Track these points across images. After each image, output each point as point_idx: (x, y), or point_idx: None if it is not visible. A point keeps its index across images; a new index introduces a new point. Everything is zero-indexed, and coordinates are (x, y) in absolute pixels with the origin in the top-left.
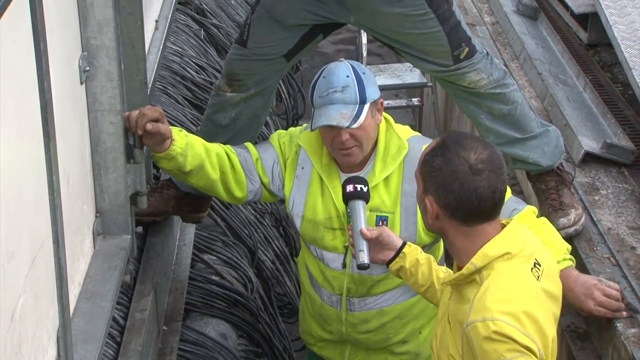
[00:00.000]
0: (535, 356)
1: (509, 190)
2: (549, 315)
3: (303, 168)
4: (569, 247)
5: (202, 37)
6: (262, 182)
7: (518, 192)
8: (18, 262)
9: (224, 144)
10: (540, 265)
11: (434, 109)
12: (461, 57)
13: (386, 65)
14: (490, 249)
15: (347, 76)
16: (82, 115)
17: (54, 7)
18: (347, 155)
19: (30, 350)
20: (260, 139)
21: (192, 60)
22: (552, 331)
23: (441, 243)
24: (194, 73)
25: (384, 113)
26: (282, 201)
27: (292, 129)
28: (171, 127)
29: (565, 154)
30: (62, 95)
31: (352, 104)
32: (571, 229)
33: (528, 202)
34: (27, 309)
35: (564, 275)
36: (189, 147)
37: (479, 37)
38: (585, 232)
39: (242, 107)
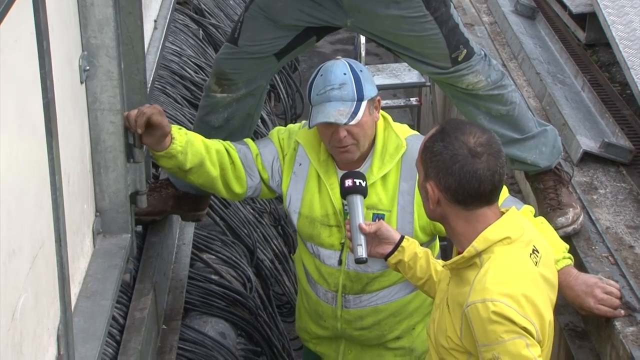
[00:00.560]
0: (533, 337)
1: (506, 189)
2: (546, 299)
3: (301, 164)
4: (567, 246)
5: (201, 37)
6: (261, 178)
7: (516, 192)
8: (19, 261)
9: None
10: (538, 252)
11: (432, 108)
12: (459, 59)
13: (384, 65)
14: (491, 233)
15: (345, 74)
16: (82, 115)
17: (54, 7)
18: (345, 152)
19: (31, 349)
20: (257, 137)
21: (190, 60)
22: (549, 314)
23: (437, 242)
24: (192, 73)
25: (382, 111)
26: (280, 198)
27: (291, 125)
28: (172, 125)
29: (563, 153)
30: (62, 94)
31: (349, 101)
32: (569, 228)
33: (526, 202)
34: (28, 308)
35: (563, 273)
36: (189, 145)
37: (477, 37)
38: (584, 231)
39: (234, 107)
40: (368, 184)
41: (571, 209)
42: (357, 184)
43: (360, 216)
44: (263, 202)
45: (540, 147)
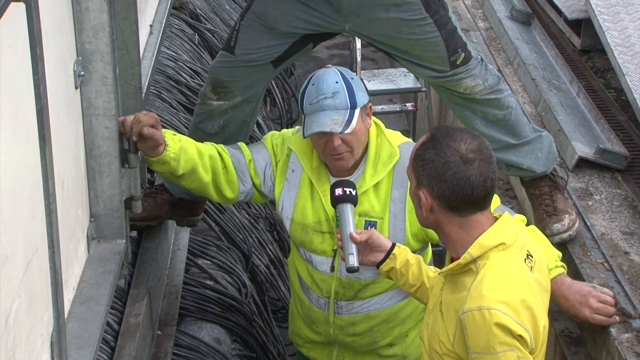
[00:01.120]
0: (526, 345)
1: (498, 198)
2: (541, 305)
3: (293, 171)
4: (560, 254)
5: (197, 42)
6: (253, 184)
7: (512, 198)
8: (12, 266)
9: None
10: (532, 257)
11: (427, 113)
12: (457, 62)
13: (380, 70)
14: (486, 239)
15: (337, 82)
16: (77, 120)
17: (49, 12)
18: (339, 160)
19: (24, 355)
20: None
21: (186, 65)
22: (544, 319)
23: (429, 250)
24: (188, 78)
25: (374, 117)
26: (273, 203)
27: (285, 130)
28: (165, 130)
29: (558, 159)
30: (56, 99)
31: (343, 109)
32: (565, 235)
33: (522, 208)
34: (21, 314)
35: (557, 282)
36: (182, 152)
37: (473, 43)
38: (579, 238)
39: (229, 114)
40: (360, 192)
41: (567, 215)
42: (348, 192)
43: (351, 225)
44: (258, 207)
45: (536, 153)
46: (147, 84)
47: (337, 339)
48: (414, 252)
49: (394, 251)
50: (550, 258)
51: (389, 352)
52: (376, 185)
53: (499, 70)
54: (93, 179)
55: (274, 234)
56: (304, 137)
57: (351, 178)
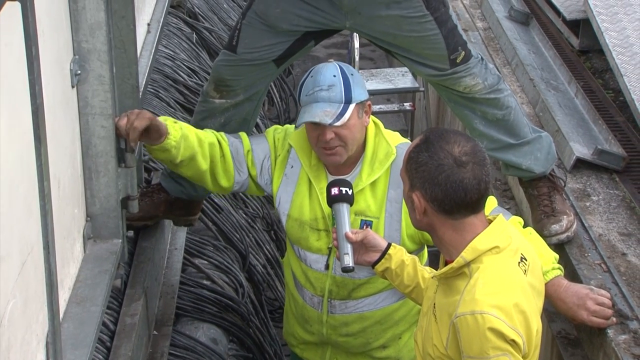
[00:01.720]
0: (519, 349)
1: (495, 200)
2: (534, 308)
3: (292, 167)
4: (557, 256)
5: (194, 41)
6: (250, 174)
7: (510, 198)
8: (7, 266)
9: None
10: (526, 260)
11: (426, 113)
12: (457, 61)
13: (378, 69)
14: (480, 242)
15: (334, 76)
16: (73, 119)
17: (45, 11)
18: (331, 154)
19: (19, 355)
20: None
21: (184, 64)
22: (537, 323)
23: (425, 252)
24: (185, 76)
25: (373, 117)
26: (271, 200)
27: (288, 125)
28: (167, 117)
29: (557, 159)
30: (53, 98)
31: (337, 102)
32: (563, 236)
33: (519, 209)
34: (17, 314)
35: (554, 285)
36: (183, 139)
37: (471, 43)
38: (577, 238)
39: (231, 112)
40: (357, 190)
41: (565, 216)
42: (344, 192)
43: (347, 225)
44: (256, 207)
45: (535, 153)
46: (144, 82)
47: (330, 339)
48: (409, 253)
49: (390, 251)
50: (547, 260)
51: (382, 354)
52: (373, 185)
53: (498, 71)
54: (89, 178)
55: (271, 233)
56: (296, 127)
57: (348, 177)
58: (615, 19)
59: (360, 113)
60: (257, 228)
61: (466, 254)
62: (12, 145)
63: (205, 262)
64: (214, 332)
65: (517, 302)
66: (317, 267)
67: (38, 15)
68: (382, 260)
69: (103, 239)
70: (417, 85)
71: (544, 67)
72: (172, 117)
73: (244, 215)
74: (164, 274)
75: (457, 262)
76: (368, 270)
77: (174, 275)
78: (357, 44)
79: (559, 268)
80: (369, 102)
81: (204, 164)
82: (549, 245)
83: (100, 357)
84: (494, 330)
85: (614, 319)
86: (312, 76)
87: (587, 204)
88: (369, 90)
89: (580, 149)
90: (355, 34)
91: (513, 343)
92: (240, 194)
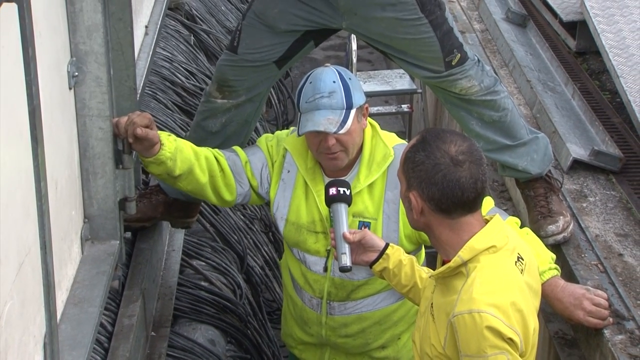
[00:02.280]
0: (517, 348)
1: (492, 200)
2: (531, 308)
3: (289, 171)
4: (554, 256)
5: (192, 43)
6: (251, 185)
7: (507, 199)
8: (5, 267)
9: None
10: (523, 260)
11: (423, 115)
12: (453, 63)
13: (376, 71)
14: (477, 242)
15: (334, 82)
16: (71, 121)
17: (42, 12)
18: (333, 159)
19: (17, 357)
20: (249, 144)
21: (181, 66)
22: (534, 322)
23: (422, 252)
24: (183, 79)
25: (369, 119)
26: (268, 204)
27: (278, 132)
28: (160, 131)
29: (553, 161)
30: (50, 100)
31: (339, 109)
32: (560, 236)
33: (517, 209)
34: (14, 315)
35: (550, 285)
36: (178, 152)
37: (468, 44)
38: (573, 239)
39: (232, 113)
40: (354, 192)
41: (561, 217)
42: (342, 192)
43: (345, 225)
44: (253, 209)
45: (532, 154)
46: (142, 84)
47: (329, 341)
48: (407, 253)
49: (387, 251)
50: (544, 260)
51: (381, 355)
52: (370, 186)
53: (495, 72)
54: (87, 179)
55: (269, 235)
56: (299, 135)
57: (345, 178)
58: (611, 20)
59: (359, 117)
60: (255, 229)
61: (463, 254)
62: (10, 147)
63: (203, 263)
64: (212, 334)
65: (514, 300)
66: (316, 269)
67: (35, 17)
68: (380, 260)
69: (101, 241)
70: (414, 87)
71: (541, 69)
72: (170, 118)
73: (242, 217)
74: (161, 275)
75: (455, 261)
76: (367, 271)
77: (171, 276)
78: (354, 46)
79: (555, 268)
80: (366, 105)
81: (203, 177)
82: (546, 245)
83: (98, 358)
84: (491, 329)
85: (611, 319)
86: (311, 82)
87: (584, 204)
88: (366, 92)
89: (577, 150)
90: (353, 36)
91: (510, 341)
92: None
